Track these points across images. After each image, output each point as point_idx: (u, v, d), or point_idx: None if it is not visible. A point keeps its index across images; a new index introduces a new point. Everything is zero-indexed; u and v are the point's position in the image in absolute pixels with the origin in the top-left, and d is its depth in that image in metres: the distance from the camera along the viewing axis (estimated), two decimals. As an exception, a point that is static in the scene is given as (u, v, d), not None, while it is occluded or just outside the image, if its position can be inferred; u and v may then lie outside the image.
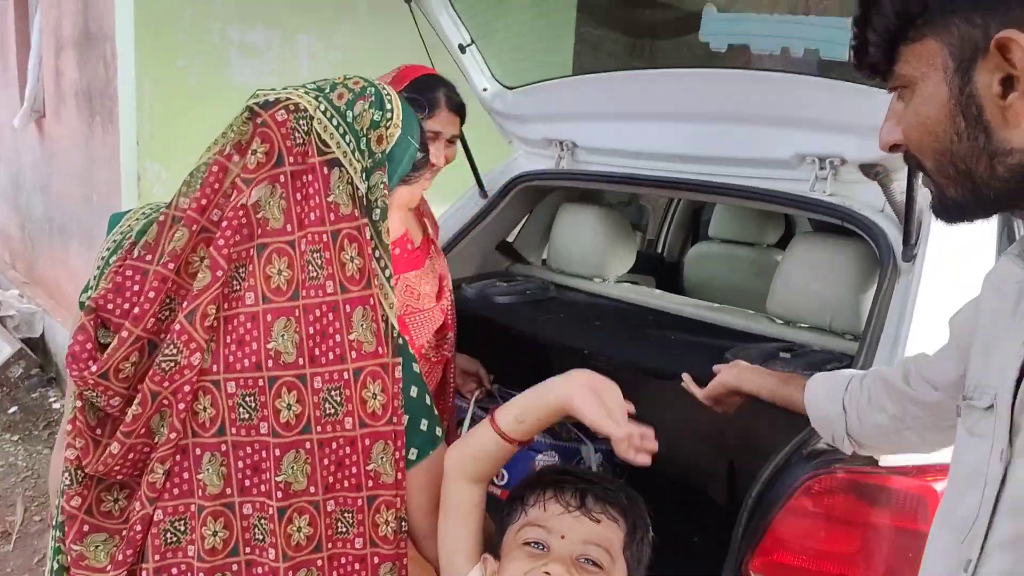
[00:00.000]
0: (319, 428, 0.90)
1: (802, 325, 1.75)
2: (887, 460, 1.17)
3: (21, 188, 5.53)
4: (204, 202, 0.91)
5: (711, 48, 1.60)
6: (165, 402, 0.89)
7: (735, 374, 1.34)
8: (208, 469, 0.90)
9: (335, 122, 0.94)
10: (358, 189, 0.93)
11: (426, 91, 1.59)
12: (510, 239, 2.46)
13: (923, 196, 1.40)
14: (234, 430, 0.90)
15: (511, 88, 2.13)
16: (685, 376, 1.42)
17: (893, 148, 0.79)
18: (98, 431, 0.93)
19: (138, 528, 0.92)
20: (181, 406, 0.89)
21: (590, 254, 2.20)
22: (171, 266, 0.90)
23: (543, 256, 2.46)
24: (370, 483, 0.93)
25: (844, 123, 1.49)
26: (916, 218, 1.39)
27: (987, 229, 1.41)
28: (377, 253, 0.95)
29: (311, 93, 0.95)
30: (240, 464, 0.91)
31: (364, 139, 0.95)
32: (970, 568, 0.73)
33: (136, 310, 0.90)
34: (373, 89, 0.99)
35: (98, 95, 3.87)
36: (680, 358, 1.66)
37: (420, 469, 0.98)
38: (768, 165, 1.65)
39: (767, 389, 1.29)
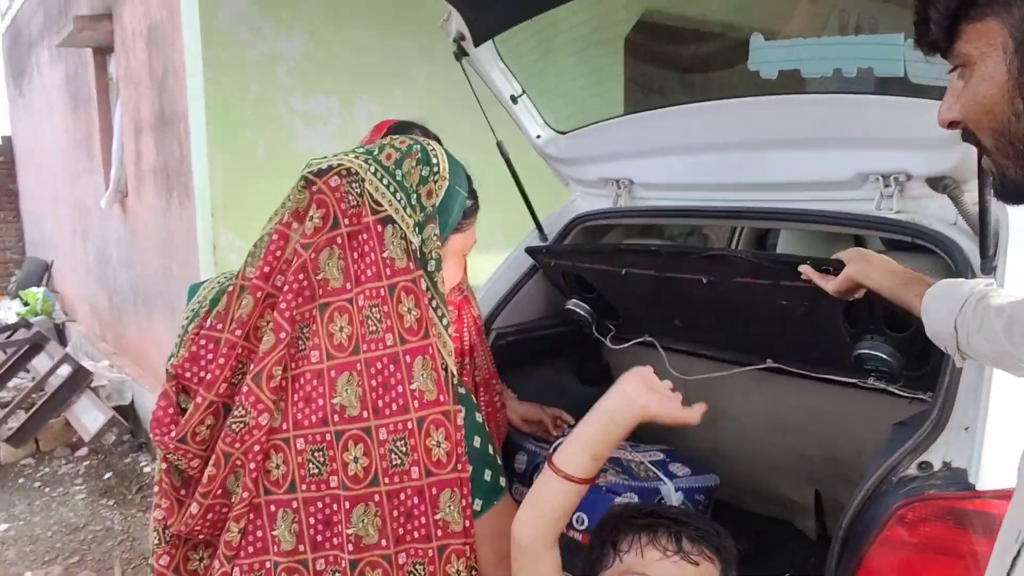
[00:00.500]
0: (387, 480, 0.92)
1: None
2: (984, 483, 1.11)
3: (107, 264, 5.86)
4: (267, 270, 0.95)
5: (761, 76, 1.60)
6: (238, 463, 0.92)
7: (858, 269, 1.31)
8: (281, 525, 0.92)
9: (385, 181, 0.98)
10: (411, 243, 0.96)
11: (408, 131, 1.71)
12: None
13: (997, 206, 1.36)
14: (304, 486, 0.92)
15: (564, 133, 2.17)
16: (803, 268, 1.41)
17: (952, 125, 0.80)
18: (182, 491, 0.97)
19: None
20: (252, 465, 0.91)
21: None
22: (239, 332, 0.94)
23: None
24: (439, 532, 0.94)
25: (905, 139, 1.46)
26: (992, 228, 1.34)
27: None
28: (434, 303, 0.97)
29: (361, 157, 0.99)
30: (311, 520, 0.92)
31: (415, 195, 0.99)
32: (1020, 537, 0.72)
33: (208, 376, 0.94)
34: (419, 147, 1.03)
35: (174, 172, 4.10)
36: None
37: (486, 520, 0.98)
38: (830, 187, 1.63)
39: (887, 288, 1.27)
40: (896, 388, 1.55)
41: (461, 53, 2.02)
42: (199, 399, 0.93)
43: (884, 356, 1.47)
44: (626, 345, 2.15)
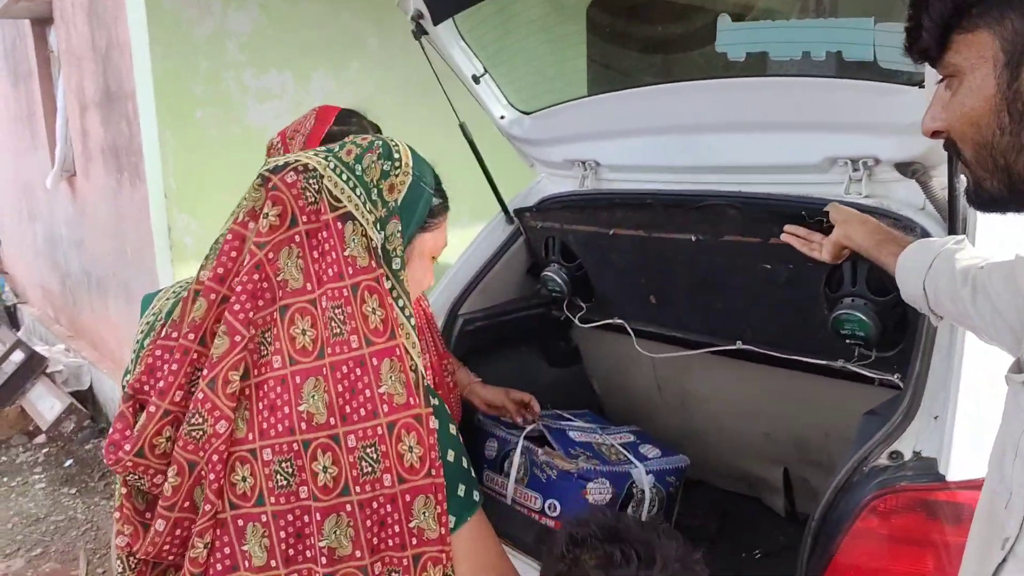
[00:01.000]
0: (358, 488, 0.88)
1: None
2: (953, 474, 1.13)
3: (58, 245, 5.67)
4: (221, 271, 0.91)
5: (729, 58, 1.57)
6: (202, 472, 0.88)
7: (844, 232, 1.33)
8: (251, 540, 0.88)
9: (344, 177, 0.93)
10: (372, 240, 0.92)
11: (353, 121, 1.70)
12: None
13: (964, 191, 1.36)
14: (273, 498, 0.88)
15: (528, 113, 2.12)
16: (791, 239, 1.43)
17: (935, 134, 0.79)
18: (147, 515, 0.93)
19: None
20: (212, 476, 0.87)
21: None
22: (191, 336, 0.90)
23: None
24: (414, 540, 0.91)
25: (874, 123, 1.45)
26: (960, 214, 1.34)
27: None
28: (400, 302, 0.94)
29: (320, 154, 0.96)
30: (282, 534, 0.89)
31: (375, 190, 0.95)
32: (1007, 545, 0.72)
33: (161, 384, 0.89)
34: (380, 142, 0.99)
35: (124, 152, 3.95)
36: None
37: (461, 536, 0.95)
38: (799, 171, 1.61)
39: (866, 249, 1.30)
40: (863, 368, 1.56)
41: (420, 32, 1.96)
42: (152, 408, 0.88)
43: (863, 318, 1.47)
44: (595, 324, 2.14)
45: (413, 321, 0.94)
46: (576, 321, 2.18)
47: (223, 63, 3.51)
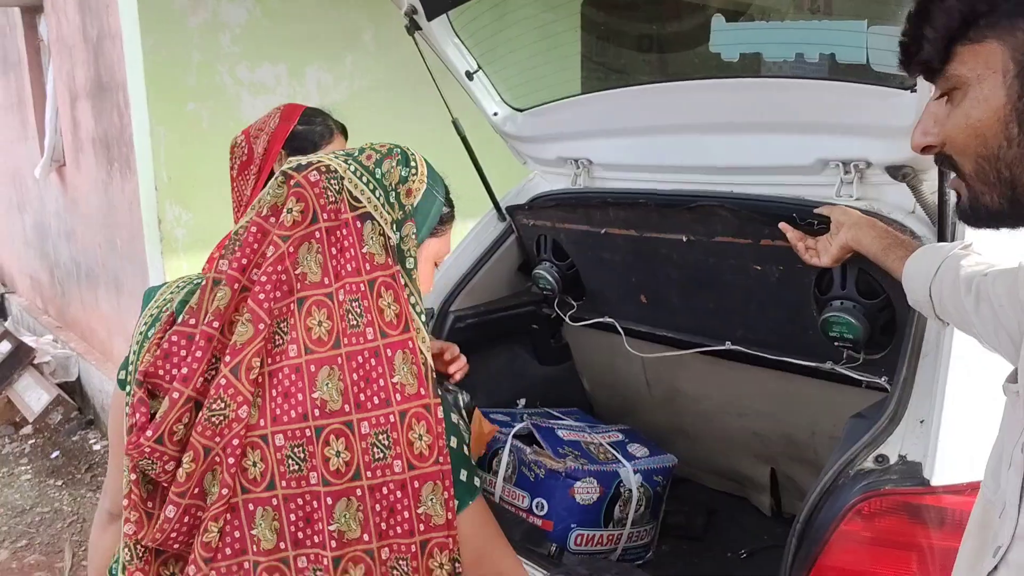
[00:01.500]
0: (369, 473, 0.92)
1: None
2: (939, 478, 1.13)
3: (47, 235, 5.63)
4: (245, 262, 0.94)
5: (723, 58, 1.57)
6: (216, 458, 0.90)
7: (853, 235, 1.35)
8: (261, 524, 0.91)
9: (364, 179, 0.99)
10: (390, 239, 0.98)
11: (317, 120, 1.75)
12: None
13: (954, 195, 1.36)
14: (284, 483, 0.91)
15: (521, 110, 2.12)
16: (783, 225, 1.45)
17: (926, 150, 0.77)
18: (149, 504, 0.95)
19: None
20: (231, 460, 0.90)
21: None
22: (216, 324, 0.92)
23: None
24: (422, 527, 0.94)
25: (866, 126, 1.45)
26: (950, 219, 1.34)
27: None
28: (412, 299, 0.98)
29: (341, 157, 1.01)
30: (292, 517, 0.91)
31: (394, 192, 1.00)
32: (999, 553, 0.72)
33: (185, 370, 0.92)
34: (398, 149, 1.04)
35: (115, 143, 3.92)
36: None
37: (463, 520, 0.98)
38: (791, 172, 1.62)
39: (873, 253, 1.31)
40: (851, 370, 1.57)
41: (413, 27, 1.95)
42: (175, 395, 0.91)
43: (852, 321, 1.48)
44: (586, 323, 2.14)
45: (424, 317, 0.99)
46: (567, 319, 2.18)
47: (216, 55, 3.49)
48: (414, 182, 1.03)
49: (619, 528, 1.85)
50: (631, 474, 1.86)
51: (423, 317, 0.99)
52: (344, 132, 1.79)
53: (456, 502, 0.97)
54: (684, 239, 1.73)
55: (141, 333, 1.03)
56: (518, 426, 1.90)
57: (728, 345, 1.81)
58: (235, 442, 0.89)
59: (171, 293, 1.07)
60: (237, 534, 0.91)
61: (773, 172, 1.65)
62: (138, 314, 1.08)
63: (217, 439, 0.89)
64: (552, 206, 2.05)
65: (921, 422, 1.21)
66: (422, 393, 0.95)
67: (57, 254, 5.46)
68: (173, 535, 0.92)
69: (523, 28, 2.03)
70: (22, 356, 4.71)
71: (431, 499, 0.94)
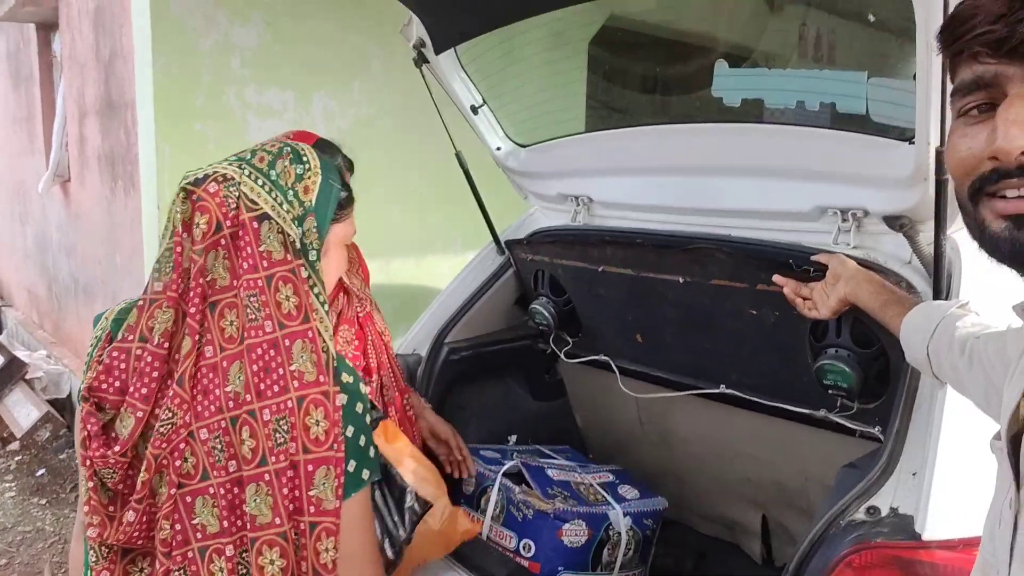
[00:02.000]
0: (273, 459, 0.97)
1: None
2: (931, 532, 1.12)
3: (47, 249, 5.63)
4: (179, 282, 1.01)
5: (724, 103, 1.58)
6: (164, 462, 0.98)
7: (851, 290, 1.34)
8: (203, 512, 0.98)
9: (260, 182, 1.04)
10: (289, 236, 1.02)
11: (326, 156, 1.69)
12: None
13: (950, 248, 1.36)
14: (215, 472, 0.98)
15: (524, 146, 2.13)
16: (777, 278, 1.46)
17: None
18: (111, 508, 1.01)
19: None
20: (178, 463, 0.98)
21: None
22: (166, 345, 1.00)
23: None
24: (312, 508, 0.98)
25: (864, 175, 1.46)
26: (946, 270, 1.35)
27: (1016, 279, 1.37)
28: (316, 290, 1.03)
29: (235, 164, 1.05)
30: (223, 502, 0.98)
31: (291, 192, 1.05)
32: None
33: (144, 391, 0.99)
34: (288, 148, 1.09)
35: (120, 160, 3.95)
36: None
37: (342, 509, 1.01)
38: (788, 218, 1.62)
39: (871, 309, 1.30)
40: (845, 419, 1.56)
41: (421, 60, 1.98)
42: (139, 414, 0.98)
43: (846, 369, 1.47)
44: (580, 360, 2.14)
45: (327, 307, 1.03)
46: (562, 356, 2.17)
47: (226, 77, 3.52)
48: (309, 178, 1.07)
49: (607, 572, 1.82)
50: (620, 517, 1.83)
51: (326, 307, 1.03)
52: (351, 168, 1.77)
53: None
54: (680, 280, 1.73)
55: (89, 354, 1.10)
56: (508, 464, 1.88)
57: (722, 388, 1.80)
58: (182, 445, 0.98)
59: (107, 319, 1.12)
60: (179, 526, 0.98)
61: (771, 217, 1.65)
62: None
63: (164, 445, 0.97)
64: (551, 242, 2.06)
65: (914, 475, 1.19)
66: (321, 380, 0.99)
67: (56, 268, 5.46)
68: (135, 535, 0.99)
69: (529, 65, 2.06)
70: (14, 371, 4.68)
71: (323, 483, 0.98)
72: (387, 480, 1.38)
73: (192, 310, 0.99)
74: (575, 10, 1.64)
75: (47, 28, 5.30)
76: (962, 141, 0.68)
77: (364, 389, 1.06)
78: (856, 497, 1.20)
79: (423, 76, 1.99)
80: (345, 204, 1.16)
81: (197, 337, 0.99)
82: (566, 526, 1.72)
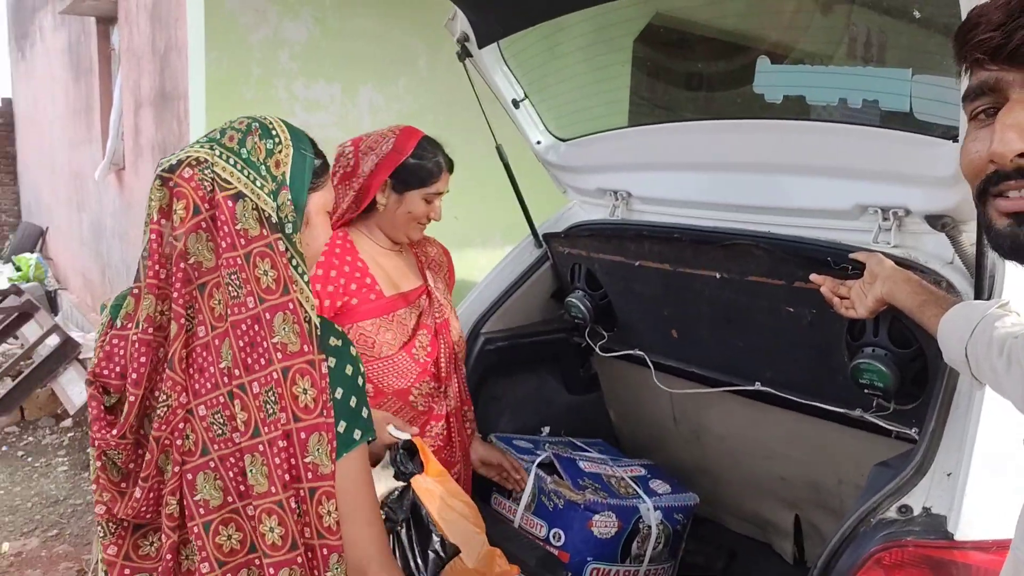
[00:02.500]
0: (266, 429, 1.00)
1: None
2: (963, 533, 1.11)
3: (102, 235, 5.82)
4: (157, 268, 1.04)
5: (766, 99, 1.58)
6: (166, 442, 1.02)
7: (888, 290, 1.33)
8: (205, 487, 1.01)
9: (231, 161, 1.05)
10: (265, 211, 1.04)
11: (429, 156, 1.71)
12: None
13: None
14: (216, 446, 1.01)
15: (565, 140, 2.15)
16: (814, 276, 1.45)
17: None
18: (123, 484, 1.05)
19: (168, 557, 1.02)
20: (180, 442, 1.01)
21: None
22: (151, 330, 1.03)
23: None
24: (310, 475, 1.01)
25: (906, 174, 1.44)
26: (988, 270, 1.32)
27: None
28: (294, 262, 1.05)
29: (206, 146, 1.06)
30: (230, 473, 1.01)
31: (264, 167, 1.07)
32: None
33: (134, 375, 1.03)
34: (256, 123, 1.09)
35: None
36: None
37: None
38: (828, 215, 1.61)
39: (908, 309, 1.30)
40: (881, 419, 1.54)
41: (465, 54, 2.00)
42: (132, 399, 1.02)
43: (883, 369, 1.45)
44: (615, 354, 2.14)
45: (307, 278, 1.06)
46: (597, 349, 2.18)
47: (275, 70, 3.61)
48: (280, 152, 1.08)
49: (636, 564, 1.83)
50: (651, 510, 1.84)
51: (306, 277, 1.05)
52: (451, 168, 1.77)
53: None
54: (717, 276, 1.73)
55: (95, 340, 1.14)
56: (541, 455, 1.90)
57: (757, 386, 1.79)
58: (181, 425, 1.01)
59: (109, 302, 1.17)
60: (184, 502, 1.02)
61: (811, 215, 1.64)
62: None
63: (164, 427, 1.01)
64: (588, 236, 2.07)
65: (948, 475, 1.18)
66: (305, 350, 1.01)
67: (110, 254, 5.65)
68: (143, 510, 1.03)
69: (572, 60, 2.07)
70: (69, 351, 4.85)
71: (317, 449, 1.01)
72: (415, 518, 1.41)
73: (176, 295, 1.02)
74: (618, 7, 1.65)
75: (106, 21, 5.48)
76: (971, 144, 0.71)
77: (354, 351, 1.09)
78: (888, 495, 1.20)
79: (466, 70, 2.02)
80: (320, 172, 1.16)
81: (183, 320, 1.01)
82: (596, 517, 1.74)
